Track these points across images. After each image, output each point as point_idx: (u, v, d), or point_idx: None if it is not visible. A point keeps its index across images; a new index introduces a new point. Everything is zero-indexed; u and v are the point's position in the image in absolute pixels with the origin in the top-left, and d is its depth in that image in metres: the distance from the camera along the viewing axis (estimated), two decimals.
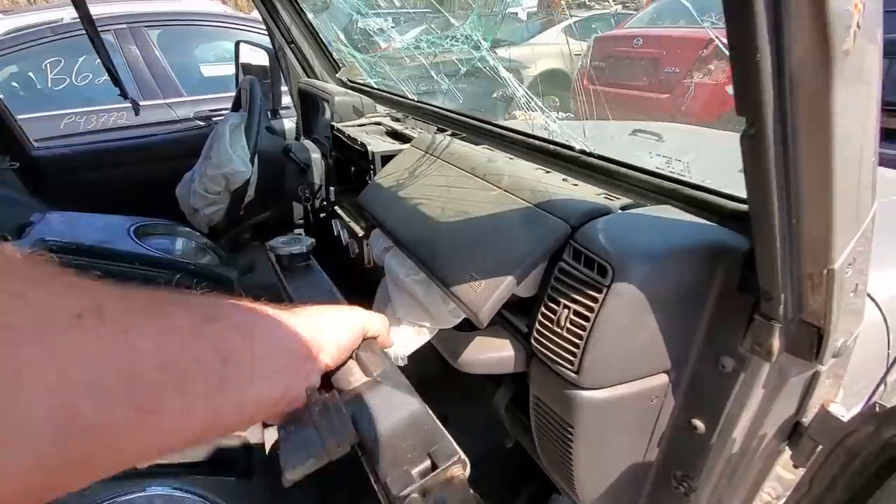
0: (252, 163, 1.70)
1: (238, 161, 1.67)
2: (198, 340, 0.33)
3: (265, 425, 0.91)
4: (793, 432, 0.62)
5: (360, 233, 1.20)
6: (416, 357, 0.85)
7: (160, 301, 0.33)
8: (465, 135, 1.15)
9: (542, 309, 0.66)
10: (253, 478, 0.81)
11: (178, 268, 1.24)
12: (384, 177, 1.06)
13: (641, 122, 1.50)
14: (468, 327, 0.77)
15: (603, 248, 0.61)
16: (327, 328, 0.44)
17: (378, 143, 1.25)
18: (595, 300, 0.60)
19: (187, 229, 1.61)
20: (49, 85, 2.96)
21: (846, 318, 0.52)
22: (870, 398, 0.68)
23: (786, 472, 0.65)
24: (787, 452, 0.63)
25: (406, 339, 0.83)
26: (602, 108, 1.00)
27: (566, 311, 0.63)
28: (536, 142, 0.96)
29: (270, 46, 2.04)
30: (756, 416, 0.60)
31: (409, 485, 0.35)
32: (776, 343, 0.53)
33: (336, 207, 1.40)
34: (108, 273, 1.11)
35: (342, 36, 1.63)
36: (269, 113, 2.32)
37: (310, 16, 1.76)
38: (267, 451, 0.87)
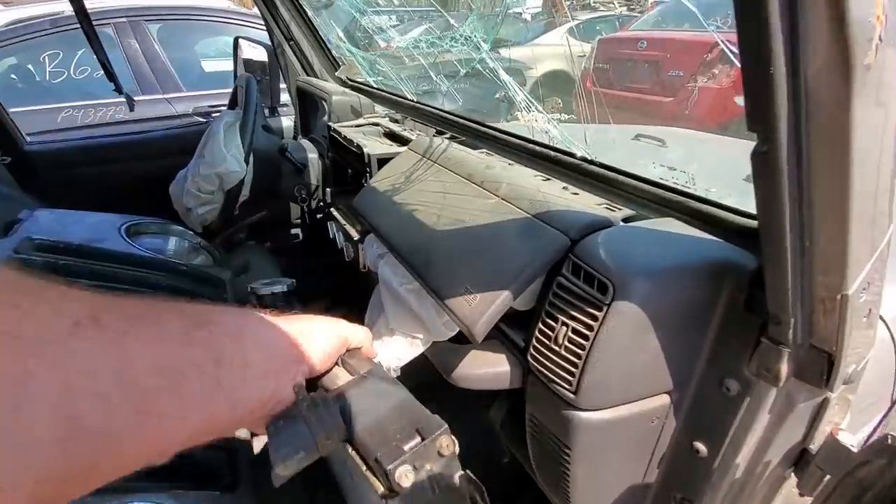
0: (247, 162, 1.67)
1: (232, 160, 1.63)
2: (191, 345, 0.34)
3: (252, 434, 0.89)
4: (799, 459, 0.59)
5: (356, 236, 1.18)
6: (410, 365, 0.82)
7: (153, 308, 0.35)
8: (463, 138, 1.13)
9: (540, 325, 0.64)
10: (237, 490, 0.78)
11: (169, 268, 1.21)
12: (380, 180, 1.04)
13: (644, 127, 1.48)
14: (463, 339, 0.74)
15: (603, 263, 0.58)
16: (314, 334, 0.45)
17: (375, 145, 1.23)
18: (595, 318, 0.57)
19: (181, 229, 1.57)
20: (47, 78, 2.94)
21: (858, 343, 0.49)
22: (881, 421, 0.65)
23: (791, 501, 0.62)
24: (793, 479, 0.61)
25: (399, 350, 0.81)
26: (604, 111, 0.97)
27: (564, 328, 0.60)
28: (537, 147, 0.93)
29: (269, 43, 2.01)
30: (761, 442, 0.58)
31: (399, 456, 0.36)
32: (784, 368, 0.50)
33: (332, 209, 1.37)
34: (97, 273, 1.09)
35: (341, 33, 1.61)
36: (267, 110, 2.29)
37: (310, 13, 1.73)
38: (251, 461, 0.85)
